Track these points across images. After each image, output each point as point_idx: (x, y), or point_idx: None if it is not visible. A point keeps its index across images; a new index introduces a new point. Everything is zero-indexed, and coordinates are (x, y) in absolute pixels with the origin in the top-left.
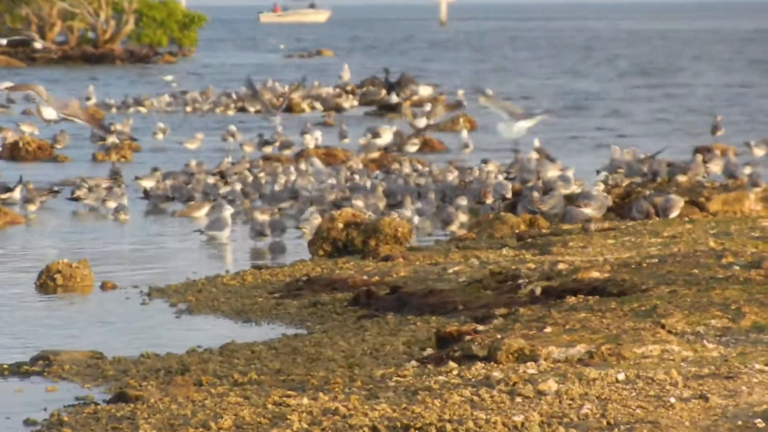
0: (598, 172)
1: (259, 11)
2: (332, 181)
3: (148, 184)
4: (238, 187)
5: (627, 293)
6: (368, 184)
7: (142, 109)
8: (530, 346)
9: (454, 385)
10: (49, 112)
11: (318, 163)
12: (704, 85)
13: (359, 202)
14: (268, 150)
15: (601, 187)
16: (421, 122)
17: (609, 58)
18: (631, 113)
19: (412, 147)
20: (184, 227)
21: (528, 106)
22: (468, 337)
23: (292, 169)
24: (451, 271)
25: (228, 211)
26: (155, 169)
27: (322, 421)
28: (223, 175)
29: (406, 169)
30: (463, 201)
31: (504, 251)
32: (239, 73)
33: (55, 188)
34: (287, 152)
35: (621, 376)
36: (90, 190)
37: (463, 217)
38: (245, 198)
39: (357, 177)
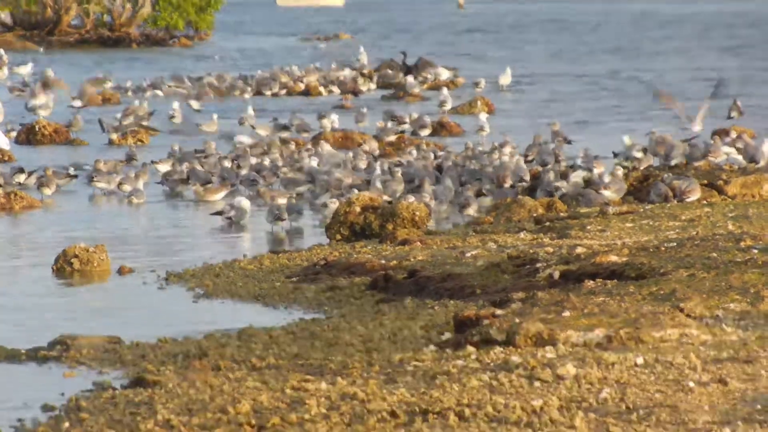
0: (615, 154)
1: None
2: (348, 165)
3: (165, 168)
4: (255, 171)
5: (645, 277)
6: (386, 167)
7: (159, 93)
8: (549, 331)
9: (472, 369)
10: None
11: (327, 147)
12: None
13: (377, 186)
14: (284, 134)
15: (619, 170)
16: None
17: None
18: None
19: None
20: (201, 211)
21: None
22: (486, 322)
23: (308, 152)
24: (469, 255)
25: (245, 201)
26: (173, 149)
27: (340, 405)
28: (238, 159)
29: (424, 153)
30: (480, 185)
31: (522, 235)
32: (256, 56)
33: (72, 172)
34: (304, 136)
35: (640, 360)
36: (105, 173)
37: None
38: (262, 182)
39: (374, 161)
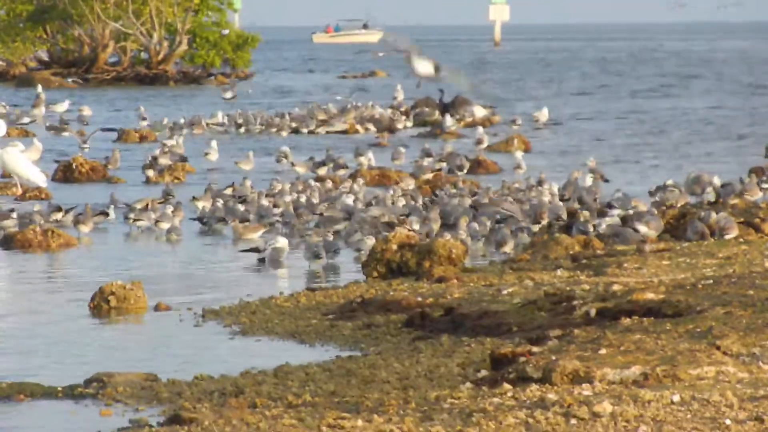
0: (651, 193)
1: (312, 31)
2: (386, 202)
3: (204, 204)
4: (292, 208)
5: (682, 314)
6: (422, 205)
7: (196, 131)
8: (585, 368)
9: (509, 407)
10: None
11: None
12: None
13: (414, 224)
14: (321, 171)
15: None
16: None
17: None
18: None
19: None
20: (237, 248)
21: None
22: (523, 359)
23: (345, 190)
24: (505, 292)
25: (283, 242)
26: (209, 188)
27: None
28: (274, 197)
29: (461, 190)
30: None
31: (559, 272)
32: (293, 93)
33: (108, 210)
34: (341, 173)
35: (676, 398)
36: (142, 211)
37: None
38: (299, 219)
39: (411, 198)
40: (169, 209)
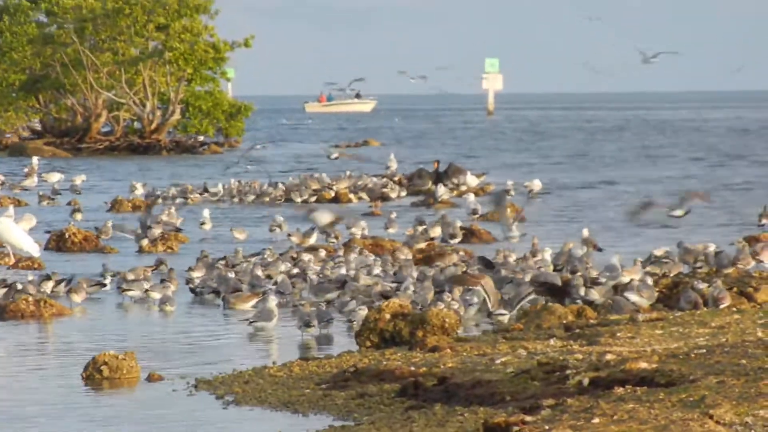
0: (643, 264)
1: (304, 101)
2: (377, 271)
3: (200, 274)
4: (285, 278)
5: (675, 384)
6: (415, 274)
7: (189, 201)
8: None
9: None
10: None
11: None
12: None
13: (408, 293)
14: (313, 240)
15: (649, 277)
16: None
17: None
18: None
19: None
20: (230, 318)
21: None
22: (516, 428)
23: (338, 259)
24: (498, 361)
25: (274, 301)
26: (203, 256)
27: None
28: (267, 267)
29: (454, 260)
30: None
31: (552, 342)
32: (286, 163)
33: (102, 280)
34: (333, 243)
35: None
36: (134, 281)
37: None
38: (292, 288)
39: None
40: (161, 283)
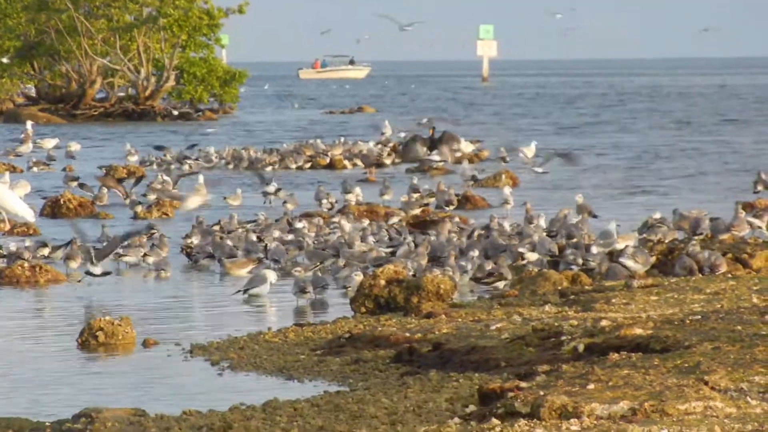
0: (640, 231)
1: (299, 67)
2: (371, 238)
3: (194, 240)
4: (279, 244)
5: (670, 350)
6: (410, 241)
7: (185, 167)
8: (573, 403)
9: None
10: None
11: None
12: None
13: (402, 259)
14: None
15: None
16: None
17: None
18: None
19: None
20: (226, 284)
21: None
22: (511, 394)
23: (333, 226)
24: (493, 328)
25: (268, 269)
26: (198, 223)
27: None
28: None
29: (449, 226)
30: (505, 258)
31: (547, 308)
32: (280, 129)
33: (98, 245)
34: (328, 209)
35: None
36: (130, 246)
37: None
38: (287, 255)
39: (399, 234)
40: (155, 243)
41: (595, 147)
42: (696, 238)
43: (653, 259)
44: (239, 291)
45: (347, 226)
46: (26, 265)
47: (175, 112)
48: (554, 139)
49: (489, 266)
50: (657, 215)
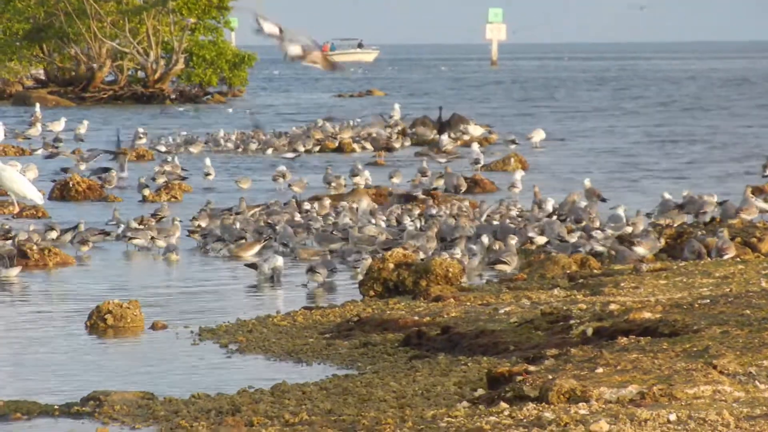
0: (648, 215)
1: None
2: (382, 222)
3: (202, 223)
4: (287, 226)
5: (679, 334)
6: (419, 224)
7: (193, 149)
8: (581, 387)
9: (505, 425)
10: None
11: (365, 203)
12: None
13: (411, 243)
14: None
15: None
16: None
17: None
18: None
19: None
20: (234, 267)
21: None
22: (519, 378)
23: (342, 209)
24: (502, 311)
25: (280, 259)
26: (207, 204)
27: None
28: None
29: (457, 209)
30: (513, 241)
31: (555, 292)
32: (289, 112)
33: (106, 229)
34: (338, 192)
35: (672, 417)
36: (139, 229)
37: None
38: (296, 238)
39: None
40: (164, 227)
41: (613, 130)
42: (701, 222)
43: (662, 243)
44: (252, 266)
45: (364, 203)
46: (35, 247)
47: (181, 109)
48: (554, 124)
49: (497, 246)
50: (667, 195)
